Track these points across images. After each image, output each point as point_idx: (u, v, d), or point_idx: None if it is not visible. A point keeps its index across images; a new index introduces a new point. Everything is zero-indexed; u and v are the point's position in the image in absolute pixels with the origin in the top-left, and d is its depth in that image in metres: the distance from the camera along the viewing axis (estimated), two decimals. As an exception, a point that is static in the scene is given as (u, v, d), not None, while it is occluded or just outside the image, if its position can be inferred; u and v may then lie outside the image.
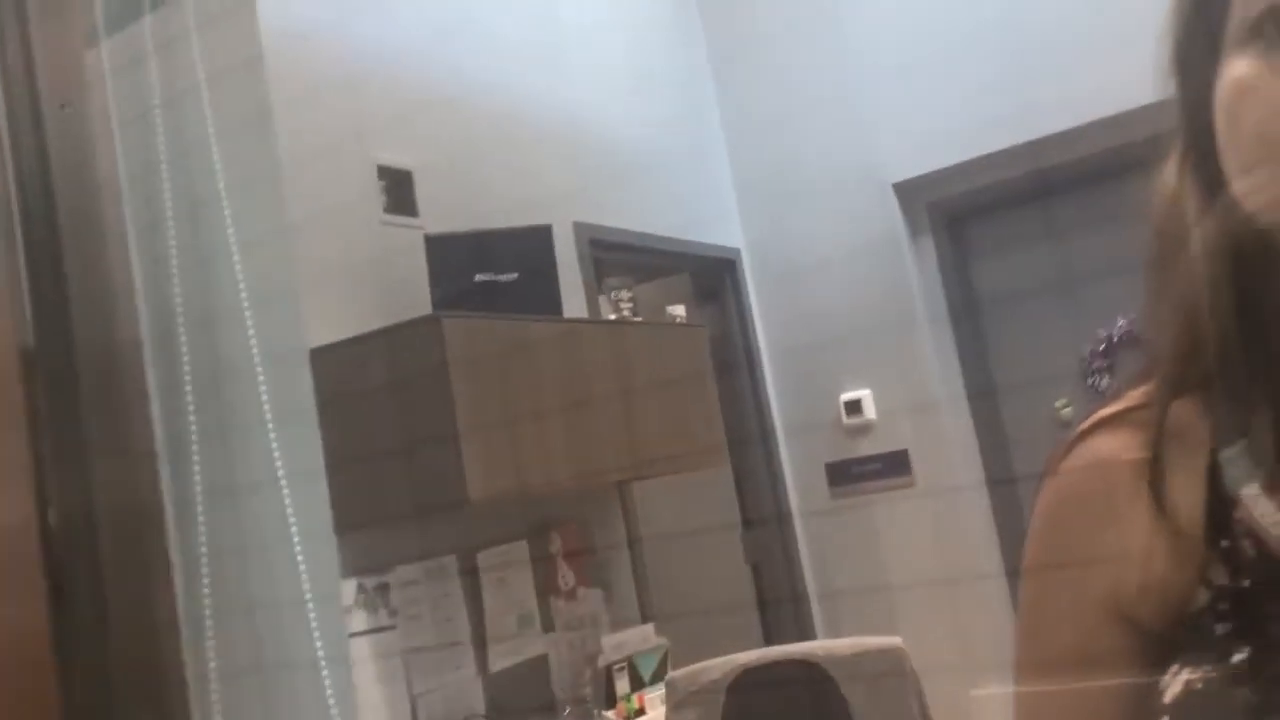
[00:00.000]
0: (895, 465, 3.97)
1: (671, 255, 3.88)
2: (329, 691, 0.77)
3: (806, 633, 3.99)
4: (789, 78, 4.16)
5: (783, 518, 4.07)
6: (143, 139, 0.78)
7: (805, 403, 4.12)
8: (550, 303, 2.81)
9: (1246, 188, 0.52)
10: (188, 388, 0.76)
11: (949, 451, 3.93)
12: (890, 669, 2.22)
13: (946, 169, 3.88)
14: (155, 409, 0.73)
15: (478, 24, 3.28)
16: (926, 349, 3.96)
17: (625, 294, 3.16)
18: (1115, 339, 3.81)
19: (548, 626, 2.97)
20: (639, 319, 3.12)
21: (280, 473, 0.78)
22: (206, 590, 0.74)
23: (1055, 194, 3.81)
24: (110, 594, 0.65)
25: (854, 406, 4.01)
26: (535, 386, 2.67)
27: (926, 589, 3.84)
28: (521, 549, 2.95)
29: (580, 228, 3.46)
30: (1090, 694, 0.57)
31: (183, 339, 0.78)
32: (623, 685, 2.95)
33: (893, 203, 4.00)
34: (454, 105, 3.15)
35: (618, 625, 3.20)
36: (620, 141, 3.77)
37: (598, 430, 2.86)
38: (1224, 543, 0.53)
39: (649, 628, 3.17)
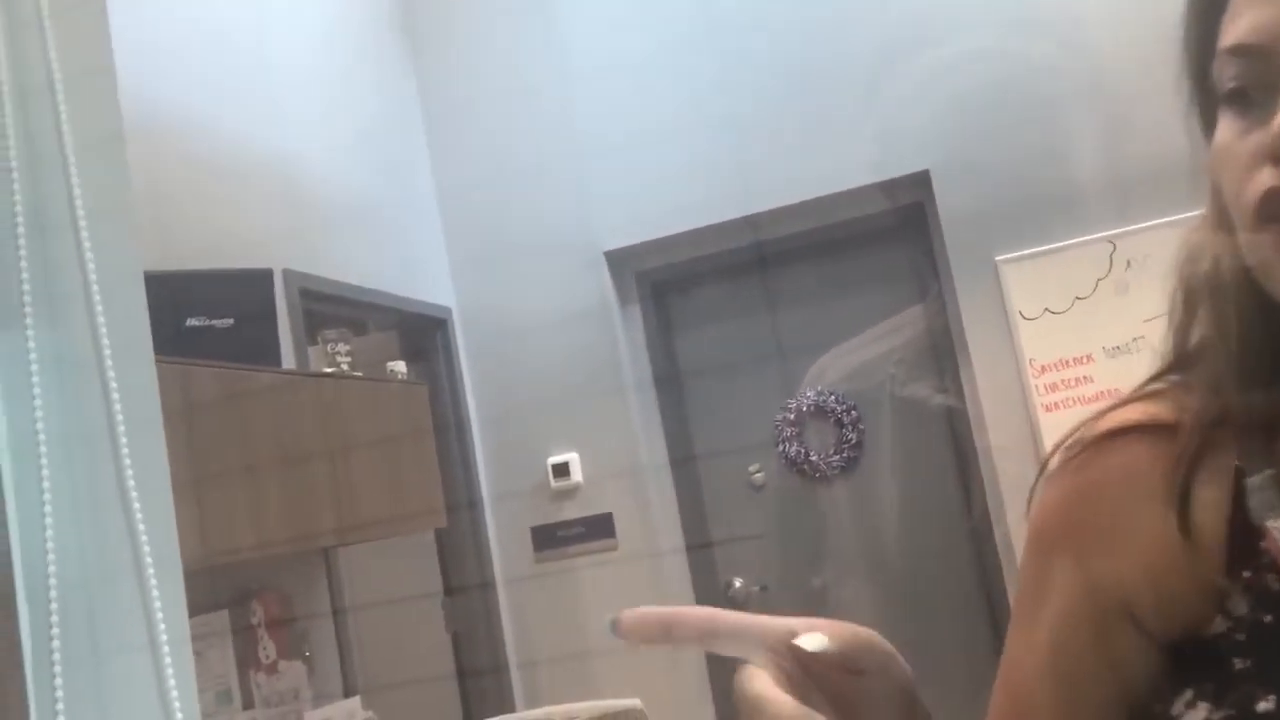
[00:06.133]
0: (599, 528, 4.01)
1: (383, 310, 3.76)
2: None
3: (506, 703, 3.91)
4: (503, 140, 4.18)
5: (486, 583, 3.99)
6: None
7: (513, 465, 4.09)
8: (269, 352, 2.63)
9: (1243, 243, 0.56)
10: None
11: (651, 515, 4.02)
12: (629, 731, 2.21)
13: (654, 240, 4.03)
14: None
15: (178, 52, 3.05)
16: (632, 414, 4.05)
17: (343, 347, 3.01)
18: (804, 409, 4.07)
19: (247, 703, 2.72)
20: (359, 374, 2.98)
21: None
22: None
23: (754, 270, 4.05)
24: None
25: (561, 469, 4.02)
26: (244, 442, 2.48)
27: (625, 655, 3.88)
28: (222, 619, 2.70)
29: (290, 275, 3.28)
30: (1088, 689, 0.57)
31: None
32: (329, 765, 2.75)
33: (604, 270, 4.09)
34: (148, 136, 2.90)
35: (320, 699, 2.99)
36: (331, 190, 3.62)
37: (311, 490, 2.69)
38: (1246, 573, 0.53)
39: (355, 701, 2.99)
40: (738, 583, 4.03)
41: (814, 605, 3.93)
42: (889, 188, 3.79)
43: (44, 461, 0.65)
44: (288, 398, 2.65)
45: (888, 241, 3.99)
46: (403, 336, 3.96)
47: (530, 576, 4.03)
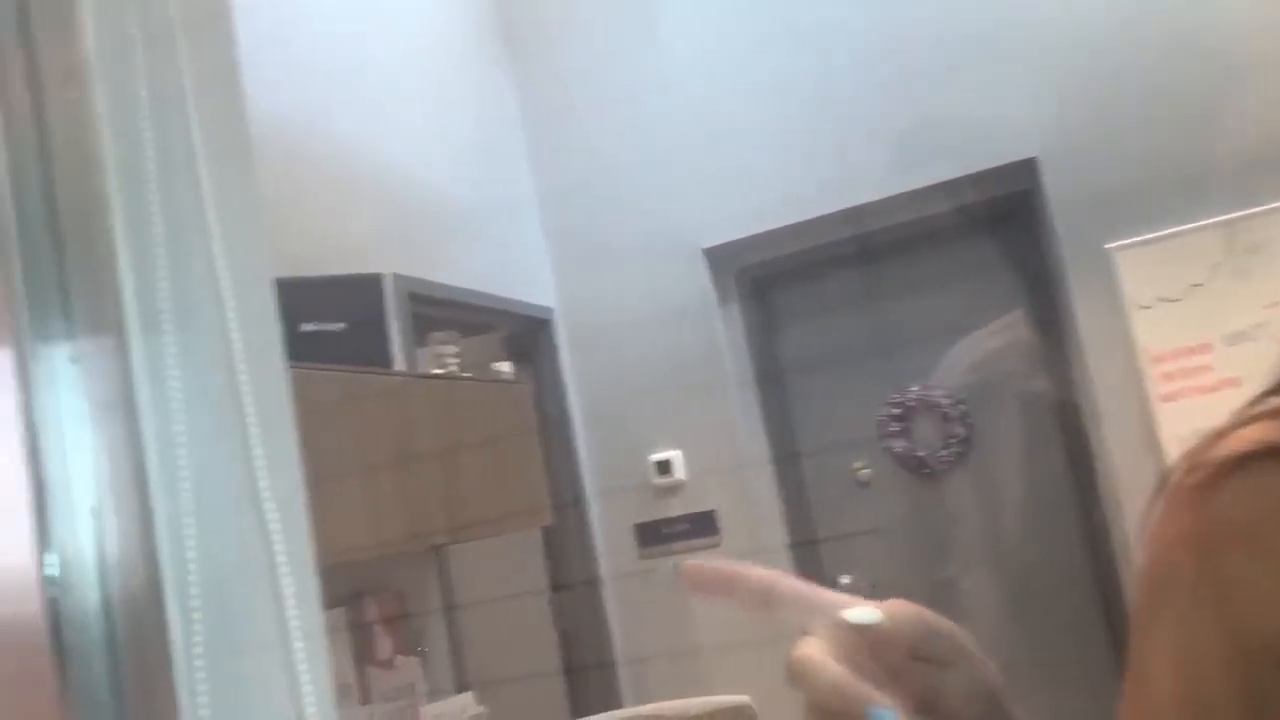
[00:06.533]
0: (703, 526, 4.01)
1: (487, 311, 3.81)
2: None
3: (614, 699, 3.94)
4: (602, 141, 4.21)
5: (592, 580, 4.02)
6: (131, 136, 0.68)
7: (616, 463, 4.11)
8: (380, 355, 2.69)
9: None
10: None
11: (755, 512, 4.00)
12: (739, 728, 2.21)
13: (753, 236, 4.01)
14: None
15: (287, 64, 3.14)
16: (734, 411, 4.04)
17: (451, 349, 3.06)
18: (909, 403, 4.01)
19: (365, 698, 2.79)
20: (468, 375, 3.03)
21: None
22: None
23: (855, 264, 4.01)
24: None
25: (664, 466, 4.03)
26: (358, 444, 2.54)
27: (732, 651, 3.87)
28: (338, 616, 2.77)
29: (398, 279, 3.35)
30: None
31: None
32: (444, 759, 2.80)
33: (703, 267, 4.09)
34: (260, 147, 2.98)
35: (434, 695, 3.05)
36: (436, 195, 3.69)
37: (422, 490, 2.74)
38: None
39: (468, 697, 3.04)
40: (845, 580, 3.99)
41: (923, 603, 3.87)
42: (994, 176, 3.71)
43: (184, 463, 0.68)
44: (399, 400, 2.71)
45: (994, 231, 3.90)
46: (507, 337, 4.02)
47: (635, 574, 4.05)
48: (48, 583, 0.56)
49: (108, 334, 0.66)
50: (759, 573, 0.51)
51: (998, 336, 3.79)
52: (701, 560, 0.53)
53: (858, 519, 4.02)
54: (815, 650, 0.48)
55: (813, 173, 3.87)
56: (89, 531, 0.61)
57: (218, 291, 0.72)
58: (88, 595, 0.60)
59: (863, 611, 0.49)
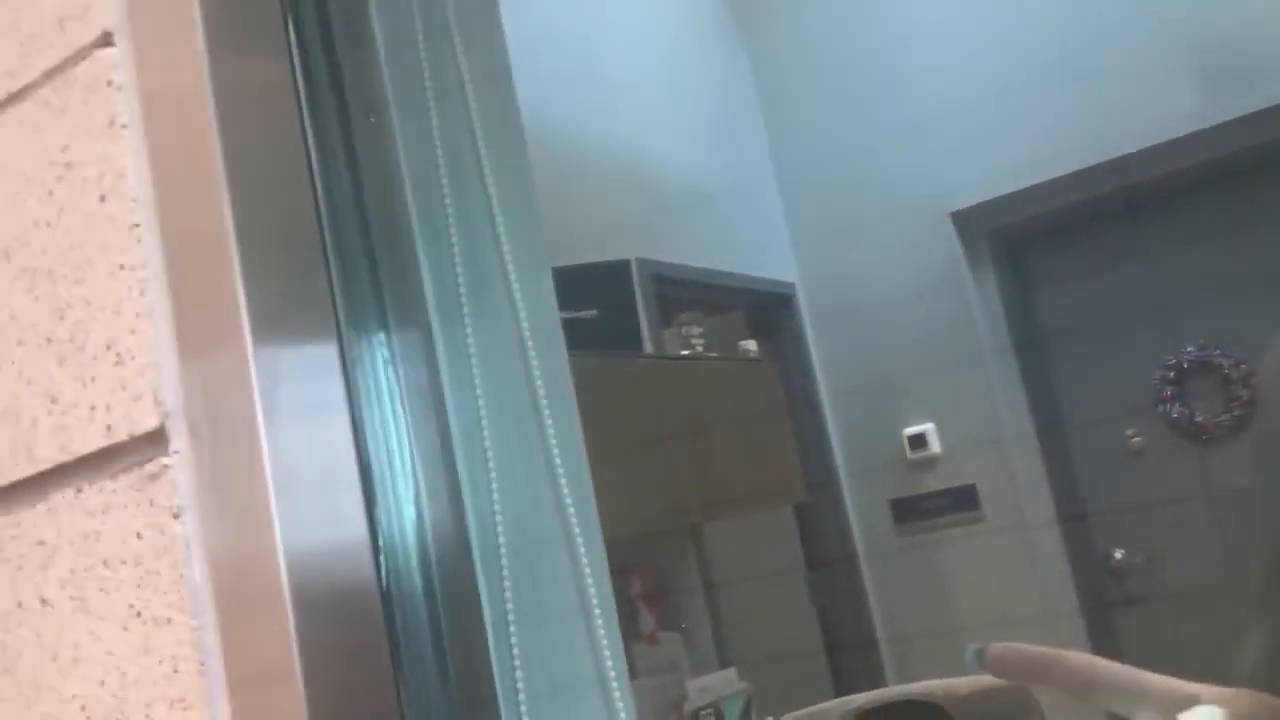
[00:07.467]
0: (963, 500, 3.89)
1: (728, 290, 3.83)
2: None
3: (877, 677, 3.89)
4: (838, 110, 4.13)
5: (849, 557, 3.98)
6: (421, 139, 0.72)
7: (867, 439, 4.05)
8: (631, 339, 2.75)
9: None
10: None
11: (1018, 485, 3.84)
12: (1017, 708, 2.12)
13: (1004, 197, 3.83)
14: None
15: (524, 60, 3.24)
16: (991, 381, 3.89)
17: (697, 329, 3.10)
18: (1185, 365, 3.74)
19: (631, 672, 2.87)
20: (714, 354, 3.06)
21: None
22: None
23: (1117, 219, 3.76)
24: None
25: (918, 441, 3.94)
26: (615, 425, 2.61)
27: (999, 628, 3.74)
28: (603, 593, 2.86)
29: (642, 263, 3.41)
30: None
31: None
32: (711, 732, 2.85)
33: (951, 232, 3.95)
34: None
35: (696, 670, 3.10)
36: (674, 177, 3.73)
37: (675, 469, 2.79)
38: None
39: (731, 672, 3.08)
40: (1119, 554, 3.78)
41: (1206, 577, 3.61)
42: (1269, 118, 3.40)
43: (487, 441, 0.72)
44: (650, 381, 2.77)
45: (1270, 178, 3.57)
46: (750, 315, 4.02)
47: (893, 550, 3.98)
48: (377, 553, 0.60)
49: (414, 326, 0.70)
50: (1076, 658, 0.47)
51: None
52: (1010, 644, 0.49)
53: (1130, 490, 3.79)
54: None
55: (1065, 125, 3.67)
56: (409, 505, 0.65)
57: (506, 281, 0.75)
58: (410, 566, 0.65)
59: (1205, 713, 0.42)
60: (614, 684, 0.72)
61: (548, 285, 0.81)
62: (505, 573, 0.69)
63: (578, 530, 0.75)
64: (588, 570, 0.74)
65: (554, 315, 0.81)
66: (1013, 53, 3.79)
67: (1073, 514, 3.82)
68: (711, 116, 4.11)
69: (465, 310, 0.71)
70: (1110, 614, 3.73)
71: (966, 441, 3.86)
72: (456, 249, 0.72)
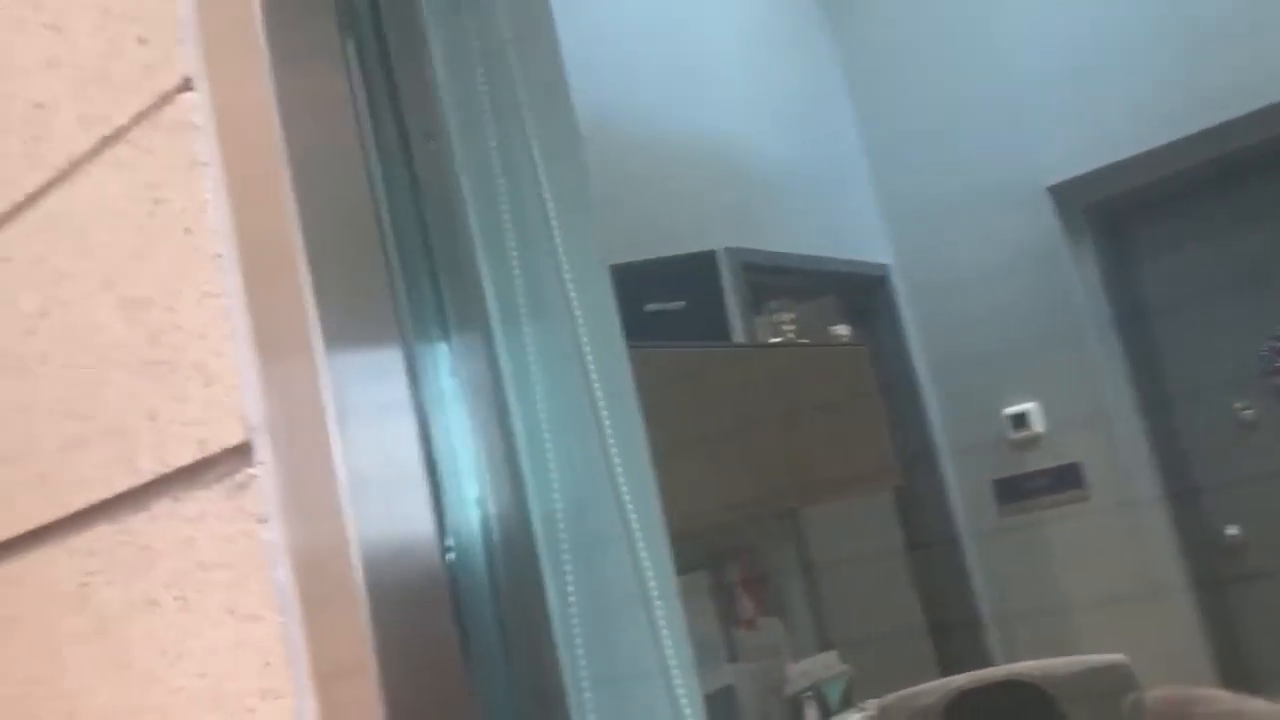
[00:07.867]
0: (1067, 479, 3.82)
1: (820, 275, 3.82)
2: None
3: (983, 657, 3.85)
4: (928, 88, 4.08)
5: (951, 538, 3.94)
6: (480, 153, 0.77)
7: (967, 419, 4.00)
8: (719, 329, 2.78)
9: None
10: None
11: (1123, 462, 3.76)
12: (1116, 688, 2.10)
13: (1102, 169, 3.74)
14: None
15: (611, 55, 3.27)
16: (1093, 357, 3.81)
17: (787, 315, 3.10)
18: (1298, 335, 3.61)
19: (731, 657, 2.90)
20: (805, 341, 3.07)
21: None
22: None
23: (1221, 188, 3.65)
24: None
25: (1019, 420, 3.87)
26: (707, 414, 2.63)
27: (1106, 608, 3.66)
28: (700, 579, 2.90)
29: (730, 252, 3.42)
30: None
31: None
32: (812, 715, 2.87)
33: (1048, 207, 3.88)
34: (599, 134, 3.14)
35: (797, 654, 3.12)
36: (762, 163, 3.73)
37: (770, 456, 2.81)
38: None
39: (831, 655, 3.09)
40: (1232, 530, 3.67)
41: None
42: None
43: (548, 440, 0.76)
44: (741, 370, 2.79)
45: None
46: (842, 298, 4.01)
47: (997, 531, 3.93)
48: (444, 551, 0.65)
49: (475, 330, 0.75)
50: (1222, 697, 0.47)
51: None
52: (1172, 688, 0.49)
53: (1241, 464, 3.68)
54: None
55: (1163, 93, 3.56)
56: (475, 503, 0.70)
57: (562, 285, 0.79)
58: (477, 562, 0.69)
59: None
60: (675, 673, 0.75)
61: (605, 287, 0.85)
62: (568, 567, 0.73)
63: (637, 525, 0.78)
64: (648, 563, 0.78)
65: (612, 316, 0.84)
66: (1105, 22, 3.69)
67: (1182, 490, 3.72)
68: (800, 101, 4.09)
69: (524, 315, 0.75)
70: (1224, 592, 3.62)
71: (1069, 420, 3.79)
72: (515, 258, 0.76)
